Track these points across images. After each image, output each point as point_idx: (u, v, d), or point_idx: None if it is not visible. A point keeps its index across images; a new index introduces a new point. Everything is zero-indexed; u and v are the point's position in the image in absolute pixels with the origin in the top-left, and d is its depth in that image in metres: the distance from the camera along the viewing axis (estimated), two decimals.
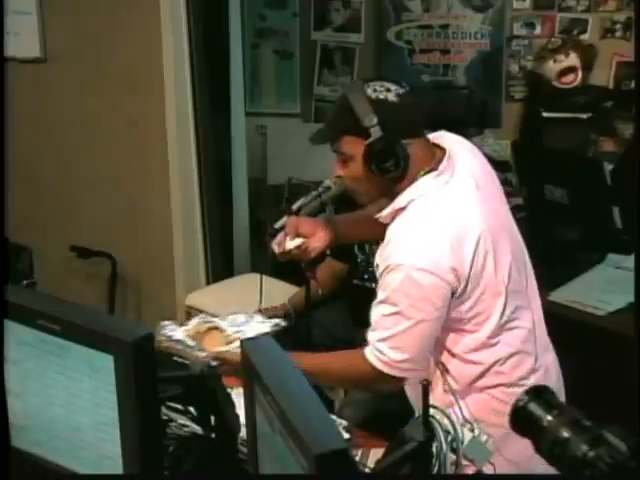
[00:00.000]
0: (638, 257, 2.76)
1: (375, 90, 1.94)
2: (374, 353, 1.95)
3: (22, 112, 3.82)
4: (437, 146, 2.03)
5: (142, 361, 1.44)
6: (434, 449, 1.50)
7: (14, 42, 3.74)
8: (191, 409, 1.78)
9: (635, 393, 2.34)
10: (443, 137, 2.08)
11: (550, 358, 2.12)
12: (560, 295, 2.97)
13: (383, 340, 1.93)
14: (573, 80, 4.21)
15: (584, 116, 4.16)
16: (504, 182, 4.09)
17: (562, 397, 2.16)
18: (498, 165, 4.25)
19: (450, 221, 1.90)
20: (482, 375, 1.99)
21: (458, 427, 1.53)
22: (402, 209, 1.96)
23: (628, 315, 2.73)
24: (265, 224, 4.26)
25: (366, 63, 4.82)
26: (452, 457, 1.52)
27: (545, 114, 4.22)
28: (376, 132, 1.91)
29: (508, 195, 4.01)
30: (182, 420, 1.82)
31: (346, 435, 1.99)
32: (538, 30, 4.48)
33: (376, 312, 1.96)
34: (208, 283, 3.93)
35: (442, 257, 1.87)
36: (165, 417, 1.80)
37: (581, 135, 4.16)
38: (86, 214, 4.02)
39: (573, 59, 4.20)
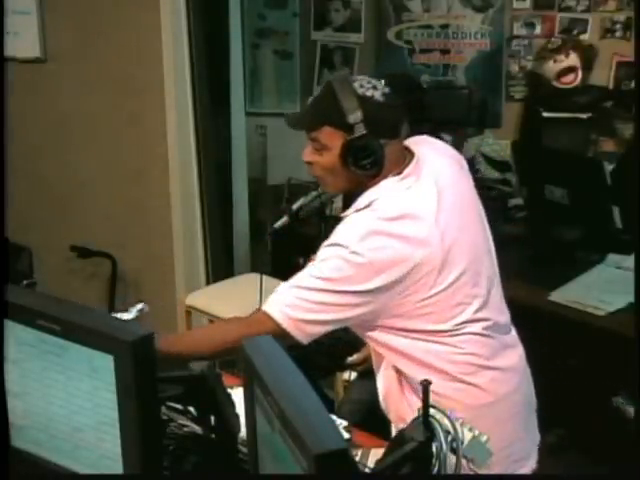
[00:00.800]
0: (638, 257, 2.76)
1: (362, 86, 1.93)
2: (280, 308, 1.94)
3: (22, 112, 3.82)
4: (409, 150, 2.03)
5: (142, 361, 1.44)
6: (434, 449, 1.50)
7: (14, 42, 3.74)
8: (191, 409, 1.78)
9: (635, 393, 2.34)
10: (418, 142, 2.08)
11: (508, 361, 2.08)
12: (560, 295, 2.97)
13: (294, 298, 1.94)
14: (573, 80, 4.20)
15: (584, 116, 4.15)
16: (504, 182, 4.12)
17: (532, 397, 2.16)
18: (498, 165, 4.29)
19: (397, 227, 1.89)
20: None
21: (458, 427, 1.53)
22: (362, 209, 1.96)
23: (628, 315, 2.72)
24: (265, 224, 4.28)
25: (366, 63, 4.82)
26: (452, 457, 1.52)
27: (545, 114, 4.22)
28: (359, 129, 1.91)
29: (508, 195, 4.03)
30: (182, 420, 1.82)
31: (346, 435, 1.99)
32: (538, 30, 4.48)
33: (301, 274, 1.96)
34: (208, 283, 3.94)
35: (380, 250, 1.87)
36: (165, 417, 1.80)
37: (581, 135, 4.16)
38: (86, 214, 4.02)
39: (573, 59, 4.20)
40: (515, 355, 2.11)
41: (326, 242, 1.95)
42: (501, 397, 2.03)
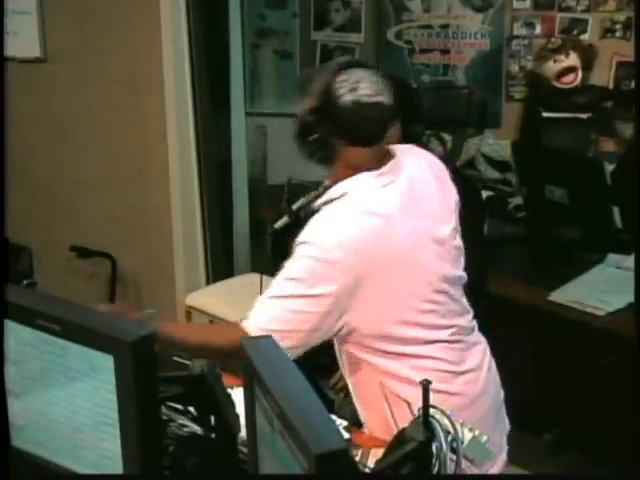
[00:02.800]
0: (638, 257, 2.76)
1: (343, 80, 1.89)
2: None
3: (22, 112, 3.82)
4: (392, 155, 2.02)
5: (142, 361, 1.43)
6: (434, 449, 1.50)
7: (14, 42, 3.74)
8: (191, 409, 1.78)
9: (635, 393, 2.34)
10: (404, 150, 2.08)
11: (475, 360, 2.08)
12: (560, 295, 2.97)
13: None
14: (573, 80, 4.21)
15: (584, 116, 4.16)
16: (504, 182, 4.12)
17: (498, 389, 2.15)
18: (498, 165, 4.29)
19: (365, 222, 1.90)
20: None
21: (458, 427, 1.53)
22: (335, 199, 1.96)
23: (628, 315, 2.73)
24: (265, 224, 4.28)
25: None
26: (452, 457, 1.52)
27: (545, 114, 4.22)
28: (311, 116, 1.91)
29: (508, 195, 4.02)
30: (182, 420, 1.82)
31: (346, 435, 1.99)
32: (538, 30, 4.48)
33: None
34: (208, 283, 3.94)
35: (341, 246, 1.87)
36: (165, 417, 1.80)
37: (581, 135, 4.16)
38: (86, 214, 4.02)
39: (573, 59, 4.20)
40: (479, 352, 2.11)
41: (299, 238, 1.94)
42: (473, 398, 2.03)
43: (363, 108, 1.89)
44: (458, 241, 2.11)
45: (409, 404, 1.82)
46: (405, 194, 1.97)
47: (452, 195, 2.14)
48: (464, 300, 2.12)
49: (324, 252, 1.87)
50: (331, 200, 1.97)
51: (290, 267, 1.93)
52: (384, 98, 1.92)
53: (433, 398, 1.94)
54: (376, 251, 1.88)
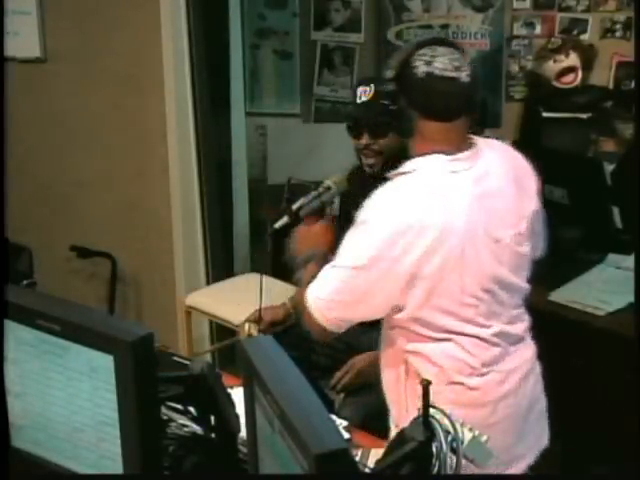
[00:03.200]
0: (638, 257, 2.76)
1: (423, 54, 1.95)
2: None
3: (22, 112, 3.82)
4: (474, 144, 2.03)
5: (142, 361, 1.44)
6: (434, 449, 1.50)
7: (14, 42, 3.74)
8: (191, 409, 1.78)
9: (636, 393, 2.34)
10: (489, 143, 2.08)
11: (509, 364, 2.08)
12: (560, 295, 2.97)
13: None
14: (573, 80, 4.20)
15: (584, 116, 4.15)
16: None
17: (533, 409, 2.14)
18: None
19: (429, 202, 1.91)
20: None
21: (458, 427, 1.53)
22: (403, 174, 1.98)
23: (628, 315, 2.72)
24: (265, 224, 4.28)
25: (366, 63, 4.81)
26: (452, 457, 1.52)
27: (545, 114, 4.22)
28: (389, 86, 1.98)
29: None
30: (182, 420, 1.82)
31: (346, 435, 1.99)
32: (538, 30, 4.48)
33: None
34: (208, 283, 3.94)
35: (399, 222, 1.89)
36: (165, 417, 1.80)
37: (581, 135, 4.16)
38: (86, 214, 4.02)
39: (573, 59, 4.20)
40: (518, 358, 2.10)
41: (364, 210, 1.96)
42: (494, 398, 2.03)
43: (436, 81, 1.93)
44: (524, 249, 2.08)
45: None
46: (475, 185, 1.96)
47: (530, 203, 2.14)
48: (517, 310, 2.10)
49: (386, 227, 1.89)
50: (401, 173, 1.99)
51: (352, 240, 1.96)
52: (462, 75, 1.94)
53: (452, 387, 1.96)
54: (435, 234, 1.88)
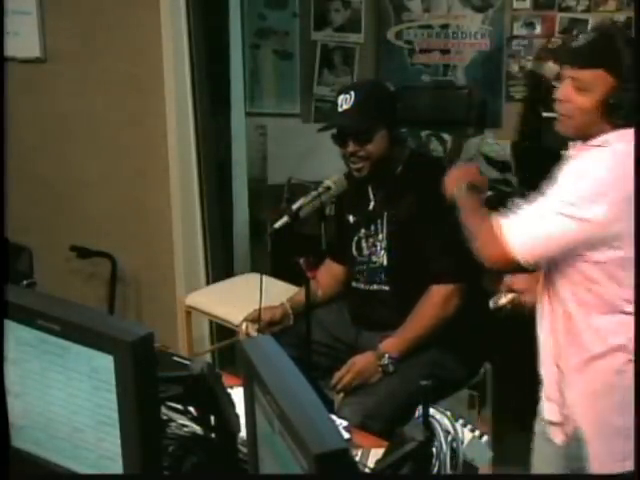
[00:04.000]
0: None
1: None
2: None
3: (22, 112, 3.82)
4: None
5: (142, 361, 1.43)
6: (434, 449, 1.50)
7: (14, 42, 3.74)
8: (191, 409, 1.78)
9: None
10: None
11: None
12: None
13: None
14: None
15: None
16: (504, 182, 4.12)
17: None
18: (498, 165, 4.28)
19: (629, 166, 1.95)
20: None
21: (458, 427, 1.53)
22: (596, 146, 2.02)
23: None
24: (265, 224, 4.28)
25: (366, 63, 4.82)
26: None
27: (545, 114, 4.22)
28: (631, 80, 1.96)
29: (508, 195, 4.01)
30: (182, 420, 1.82)
31: (346, 435, 1.99)
32: (538, 30, 4.48)
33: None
34: (208, 283, 3.93)
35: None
36: (165, 417, 1.80)
37: None
38: (86, 214, 4.02)
39: None
40: None
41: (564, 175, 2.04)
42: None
43: None
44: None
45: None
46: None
47: None
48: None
49: (593, 184, 1.97)
50: (590, 146, 2.03)
51: (560, 188, 2.03)
52: None
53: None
54: (630, 200, 1.94)
